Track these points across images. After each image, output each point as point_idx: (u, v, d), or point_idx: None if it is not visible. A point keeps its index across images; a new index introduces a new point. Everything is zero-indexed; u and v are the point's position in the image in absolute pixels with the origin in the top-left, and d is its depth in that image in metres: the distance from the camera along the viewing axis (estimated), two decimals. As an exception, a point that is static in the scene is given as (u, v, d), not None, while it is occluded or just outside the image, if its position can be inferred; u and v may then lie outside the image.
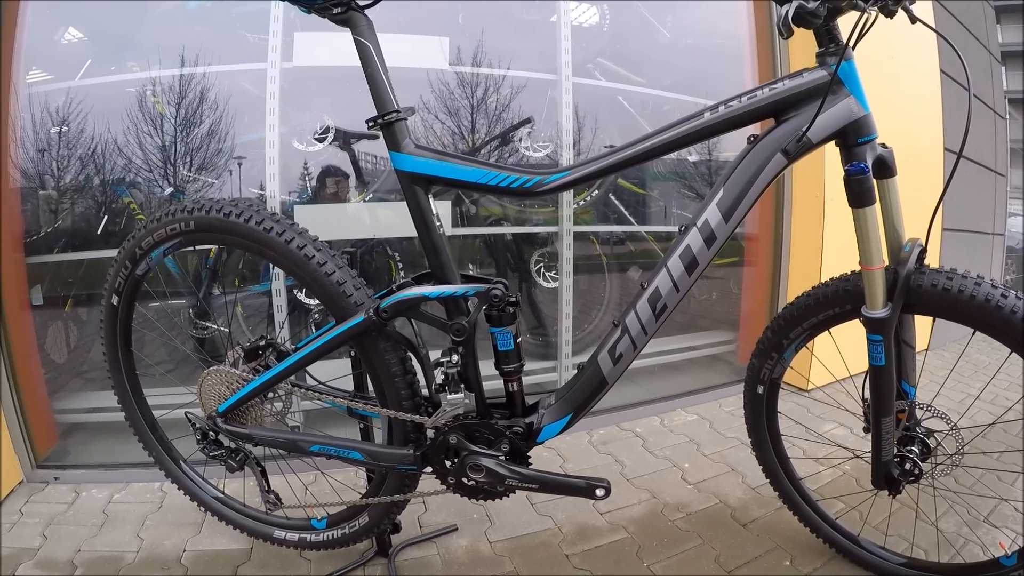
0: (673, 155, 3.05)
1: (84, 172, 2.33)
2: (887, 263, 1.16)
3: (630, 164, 1.15)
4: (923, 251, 1.17)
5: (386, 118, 1.17)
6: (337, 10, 1.14)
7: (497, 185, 1.17)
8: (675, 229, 1.17)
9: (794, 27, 1.01)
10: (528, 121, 2.74)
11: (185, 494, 1.60)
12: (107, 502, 1.86)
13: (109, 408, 1.97)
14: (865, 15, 1.02)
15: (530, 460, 1.28)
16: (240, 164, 2.43)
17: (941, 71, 3.35)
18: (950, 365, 2.45)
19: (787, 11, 0.99)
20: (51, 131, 2.23)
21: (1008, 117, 5.07)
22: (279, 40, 2.12)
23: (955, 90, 3.42)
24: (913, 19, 1.07)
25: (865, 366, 1.23)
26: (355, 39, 1.16)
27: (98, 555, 1.58)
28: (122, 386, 1.54)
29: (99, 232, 2.34)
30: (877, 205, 1.12)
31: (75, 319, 2.43)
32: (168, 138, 2.37)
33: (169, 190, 2.39)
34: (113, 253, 1.41)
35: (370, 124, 1.18)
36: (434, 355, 1.27)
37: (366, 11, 1.17)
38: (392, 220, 2.39)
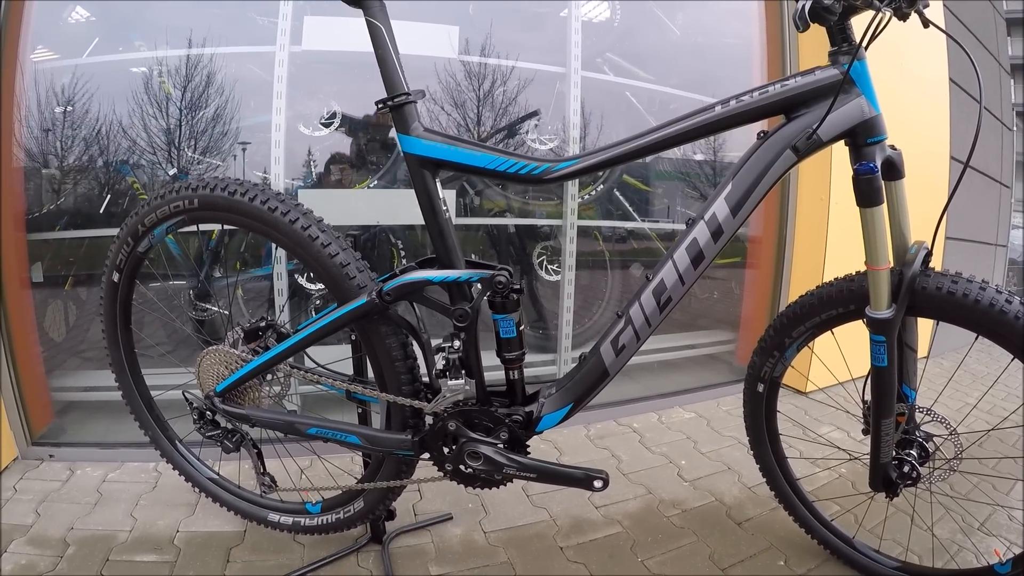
0: (679, 153, 3.08)
1: (88, 152, 2.32)
2: (892, 264, 1.16)
3: (639, 155, 1.15)
4: (929, 254, 1.17)
5: (396, 100, 1.16)
6: (351, -10, 1.14)
7: (505, 171, 1.16)
8: (678, 227, 1.17)
9: (810, 22, 1.00)
10: (535, 113, 2.73)
11: (180, 475, 1.60)
12: (101, 481, 1.86)
13: (105, 387, 1.97)
14: (880, 15, 1.01)
15: (528, 449, 1.28)
16: (244, 149, 2.42)
17: (950, 80, 3.35)
18: (949, 373, 2.44)
19: (803, 5, 0.99)
20: (56, 110, 2.22)
21: (1016, 129, 5.07)
22: (288, 23, 2.12)
23: (963, 99, 3.41)
24: (926, 23, 1.07)
25: (865, 369, 1.22)
26: (367, 20, 1.15)
27: (91, 533, 1.58)
28: (120, 364, 1.54)
29: (101, 211, 2.33)
30: (885, 206, 1.12)
31: (74, 298, 2.42)
32: (173, 120, 2.36)
33: (173, 171, 2.38)
34: (115, 232, 1.40)
35: (380, 106, 1.18)
36: (435, 341, 1.26)
37: (379, -7, 1.16)
38: (396, 207, 2.38)
